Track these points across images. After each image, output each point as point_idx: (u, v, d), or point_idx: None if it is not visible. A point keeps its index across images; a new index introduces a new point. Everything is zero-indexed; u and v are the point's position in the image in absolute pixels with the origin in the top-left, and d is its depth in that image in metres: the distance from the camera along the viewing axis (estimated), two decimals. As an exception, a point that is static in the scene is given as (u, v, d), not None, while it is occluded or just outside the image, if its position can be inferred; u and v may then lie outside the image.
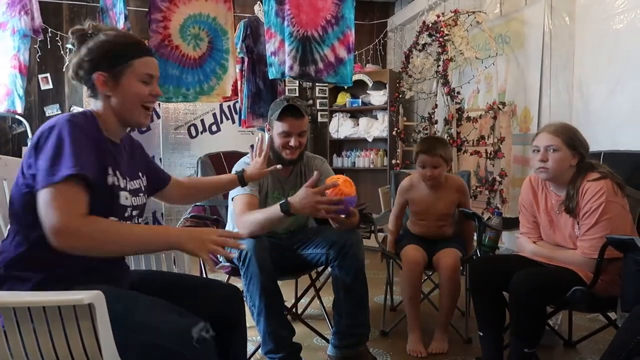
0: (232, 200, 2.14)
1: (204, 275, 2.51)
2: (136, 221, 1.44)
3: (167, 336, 1.21)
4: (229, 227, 2.31)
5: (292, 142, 2.13)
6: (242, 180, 1.87)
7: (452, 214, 2.56)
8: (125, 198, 1.34)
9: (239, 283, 2.40)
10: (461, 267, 2.43)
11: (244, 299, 2.02)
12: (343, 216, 1.93)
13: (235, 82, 3.24)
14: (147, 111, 1.39)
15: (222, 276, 2.65)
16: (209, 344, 1.27)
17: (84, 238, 1.16)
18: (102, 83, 1.32)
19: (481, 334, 1.99)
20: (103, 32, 1.35)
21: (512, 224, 2.66)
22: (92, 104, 1.38)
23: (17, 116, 4.44)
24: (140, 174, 1.49)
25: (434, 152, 2.38)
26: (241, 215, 2.04)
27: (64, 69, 1.22)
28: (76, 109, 1.24)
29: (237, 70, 3.57)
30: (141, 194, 1.46)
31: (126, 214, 1.37)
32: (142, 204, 1.47)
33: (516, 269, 1.84)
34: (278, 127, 2.13)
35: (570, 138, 1.87)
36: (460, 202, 2.54)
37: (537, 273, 1.86)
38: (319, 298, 2.57)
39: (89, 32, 1.34)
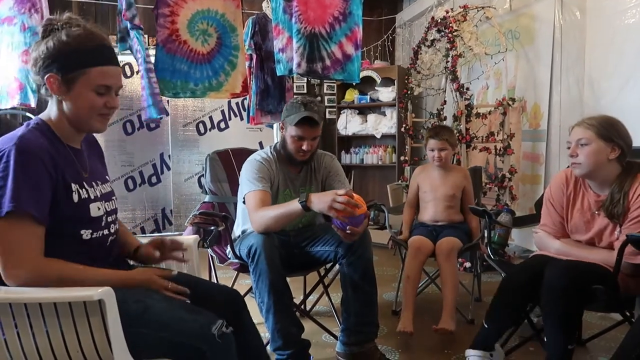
0: (244, 197, 2.14)
1: (214, 271, 2.53)
2: (114, 228, 1.39)
3: (186, 334, 1.23)
4: (238, 223, 2.31)
5: (304, 147, 2.15)
6: (132, 255, 1.55)
7: (459, 198, 2.77)
8: (97, 209, 1.30)
9: (247, 280, 2.42)
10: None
11: (253, 295, 2.03)
12: (348, 231, 1.89)
13: (246, 79, 3.24)
14: (104, 118, 1.31)
15: (230, 273, 2.66)
16: (229, 339, 1.28)
17: (37, 283, 1.16)
18: (52, 86, 1.24)
19: (486, 326, 1.95)
20: (69, 29, 1.25)
21: (521, 221, 2.64)
22: (48, 107, 1.31)
23: (27, 113, 4.48)
24: (107, 177, 1.45)
25: (441, 137, 2.72)
26: (256, 211, 2.04)
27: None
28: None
29: (246, 67, 3.56)
30: (114, 198, 1.42)
31: (102, 224, 1.33)
32: (115, 209, 1.41)
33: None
34: (292, 130, 2.13)
35: (606, 129, 1.76)
36: (465, 188, 2.78)
37: (570, 263, 1.78)
38: (328, 295, 2.57)
39: (58, 24, 1.25)
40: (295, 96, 2.51)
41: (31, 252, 1.16)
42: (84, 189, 1.28)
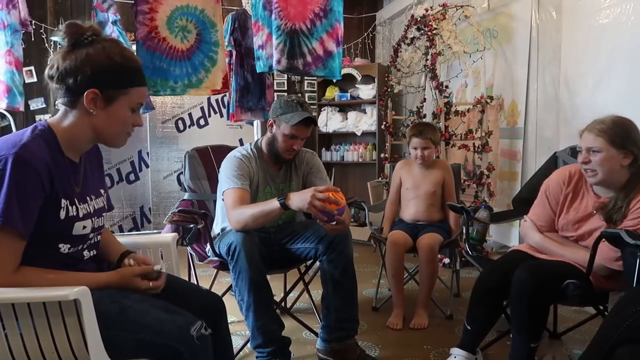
0: (222, 194, 2.13)
1: (193, 269, 2.51)
2: (94, 242, 1.37)
3: (164, 335, 1.22)
4: (217, 221, 2.30)
5: (295, 146, 2.16)
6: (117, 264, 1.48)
7: (440, 194, 2.79)
8: (82, 227, 1.28)
9: (227, 277, 2.40)
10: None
11: (233, 293, 2.02)
12: (333, 223, 1.89)
13: (226, 75, 3.22)
14: (128, 135, 1.34)
15: (210, 271, 2.64)
16: (207, 340, 1.28)
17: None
18: (90, 100, 1.22)
19: (469, 327, 2.00)
20: (103, 43, 1.24)
21: (499, 217, 2.68)
22: (60, 115, 1.27)
23: (1, 110, 4.38)
24: (102, 191, 1.42)
25: (425, 136, 2.70)
26: (233, 209, 2.03)
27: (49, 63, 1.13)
28: (59, 106, 1.18)
29: (226, 63, 3.54)
30: (104, 214, 1.40)
31: (84, 240, 1.31)
32: (103, 225, 1.40)
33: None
34: (287, 129, 2.12)
35: (618, 136, 1.70)
36: (445, 180, 2.79)
37: (539, 265, 1.82)
38: (308, 292, 2.58)
39: (87, 36, 1.23)
40: (288, 95, 2.51)
41: (6, 266, 1.14)
42: (73, 206, 1.25)
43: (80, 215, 1.27)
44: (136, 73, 1.29)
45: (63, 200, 1.22)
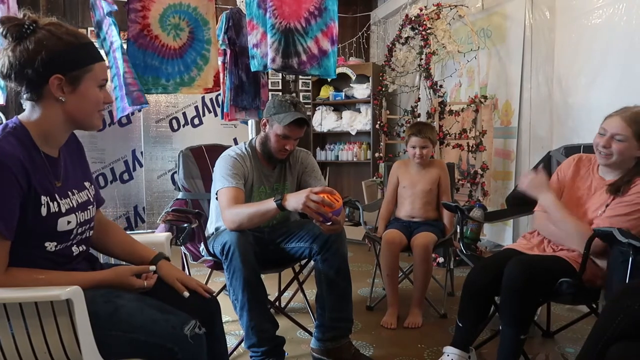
0: (216, 193, 2.12)
1: (187, 269, 2.50)
2: (84, 237, 1.35)
3: (158, 335, 1.21)
4: (211, 220, 2.29)
5: (288, 146, 2.16)
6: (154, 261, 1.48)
7: (436, 192, 2.82)
8: (66, 223, 1.25)
9: (221, 277, 2.40)
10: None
11: (227, 293, 2.01)
12: (328, 223, 1.89)
13: (217, 73, 3.20)
14: (100, 114, 1.31)
15: (204, 270, 2.64)
16: (201, 340, 1.27)
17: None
18: (57, 87, 1.19)
19: (461, 325, 2.00)
20: (46, 27, 1.20)
21: (493, 216, 2.69)
22: (28, 110, 1.24)
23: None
24: (86, 184, 1.39)
25: (423, 135, 2.75)
26: (228, 208, 2.02)
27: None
28: (24, 102, 1.17)
29: (220, 62, 3.52)
30: (90, 207, 1.37)
31: (71, 236, 1.29)
32: (91, 218, 1.37)
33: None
34: (279, 129, 2.13)
35: None
36: (441, 178, 2.83)
37: (531, 261, 1.85)
38: (302, 291, 2.58)
39: (27, 25, 1.19)
40: (282, 95, 2.51)
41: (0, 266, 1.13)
42: (54, 202, 1.23)
43: (63, 210, 1.25)
44: (93, 48, 1.27)
45: (43, 197, 1.20)
